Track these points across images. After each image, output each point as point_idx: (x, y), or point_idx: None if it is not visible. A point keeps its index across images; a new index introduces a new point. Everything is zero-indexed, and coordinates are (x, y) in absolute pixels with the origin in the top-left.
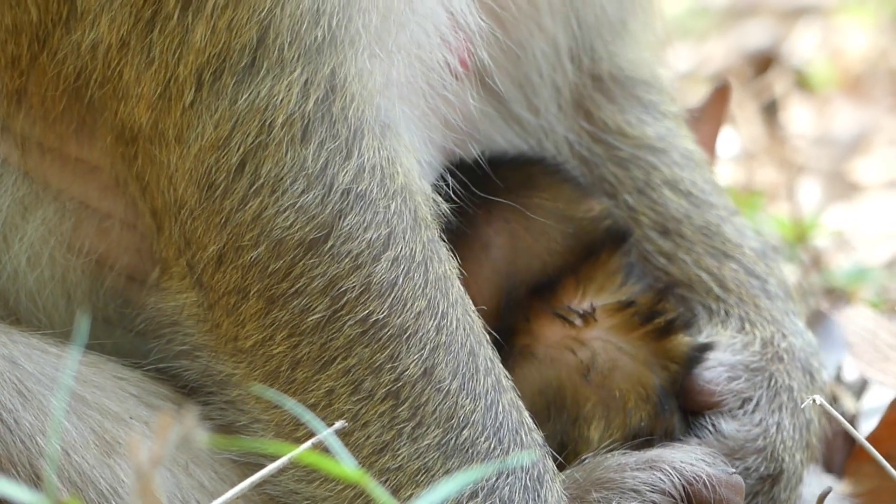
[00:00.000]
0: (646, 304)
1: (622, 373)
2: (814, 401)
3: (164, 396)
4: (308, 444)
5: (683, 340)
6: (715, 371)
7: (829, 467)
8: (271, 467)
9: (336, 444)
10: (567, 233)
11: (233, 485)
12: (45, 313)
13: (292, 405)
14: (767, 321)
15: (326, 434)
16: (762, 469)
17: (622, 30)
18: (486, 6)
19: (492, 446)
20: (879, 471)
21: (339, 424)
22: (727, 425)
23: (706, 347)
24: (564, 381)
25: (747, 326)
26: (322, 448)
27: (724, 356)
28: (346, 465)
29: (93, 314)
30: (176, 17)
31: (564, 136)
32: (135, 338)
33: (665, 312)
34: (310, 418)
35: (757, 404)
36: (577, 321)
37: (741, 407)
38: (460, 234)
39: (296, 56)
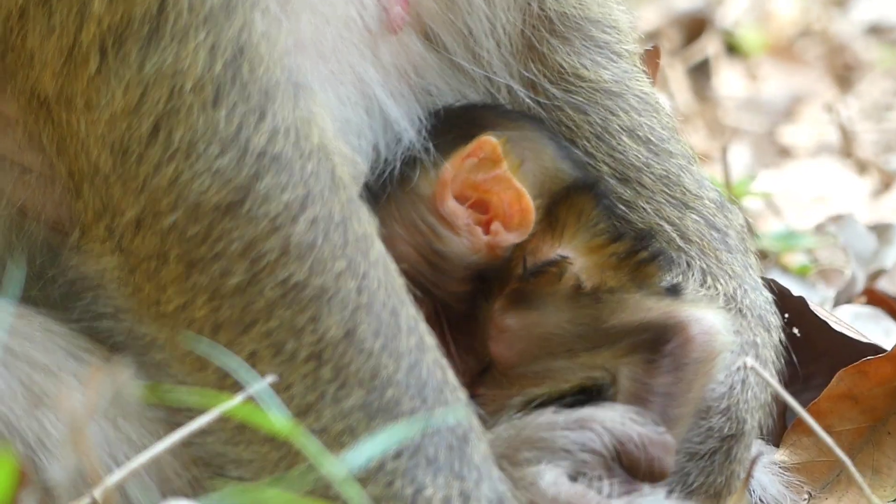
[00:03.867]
0: (627, 243)
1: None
2: (745, 364)
3: (93, 351)
4: (239, 396)
5: (659, 278)
6: None
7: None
8: (202, 420)
9: (267, 397)
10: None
11: (161, 440)
12: None
13: (222, 361)
14: (729, 275)
15: (257, 388)
16: (725, 430)
17: None
18: None
19: (416, 406)
20: (817, 443)
21: (270, 378)
22: None
23: (676, 289)
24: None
25: (709, 280)
26: (251, 404)
27: None
28: (276, 418)
29: (23, 266)
30: None
31: (509, 85)
32: (63, 293)
33: (646, 248)
34: (240, 372)
35: None
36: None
37: None
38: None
39: (199, 20)
